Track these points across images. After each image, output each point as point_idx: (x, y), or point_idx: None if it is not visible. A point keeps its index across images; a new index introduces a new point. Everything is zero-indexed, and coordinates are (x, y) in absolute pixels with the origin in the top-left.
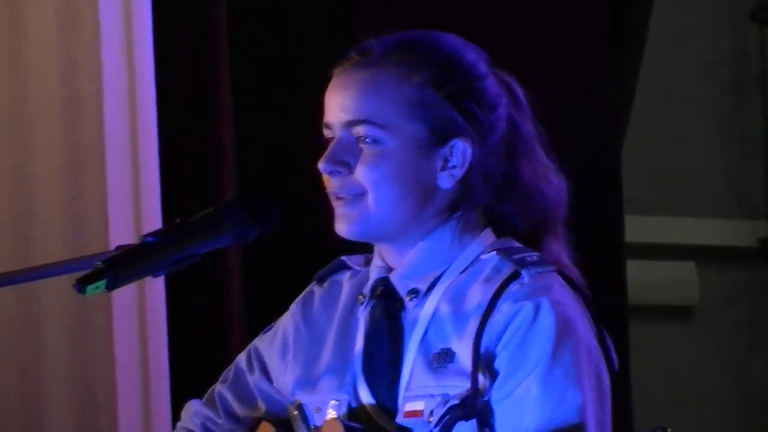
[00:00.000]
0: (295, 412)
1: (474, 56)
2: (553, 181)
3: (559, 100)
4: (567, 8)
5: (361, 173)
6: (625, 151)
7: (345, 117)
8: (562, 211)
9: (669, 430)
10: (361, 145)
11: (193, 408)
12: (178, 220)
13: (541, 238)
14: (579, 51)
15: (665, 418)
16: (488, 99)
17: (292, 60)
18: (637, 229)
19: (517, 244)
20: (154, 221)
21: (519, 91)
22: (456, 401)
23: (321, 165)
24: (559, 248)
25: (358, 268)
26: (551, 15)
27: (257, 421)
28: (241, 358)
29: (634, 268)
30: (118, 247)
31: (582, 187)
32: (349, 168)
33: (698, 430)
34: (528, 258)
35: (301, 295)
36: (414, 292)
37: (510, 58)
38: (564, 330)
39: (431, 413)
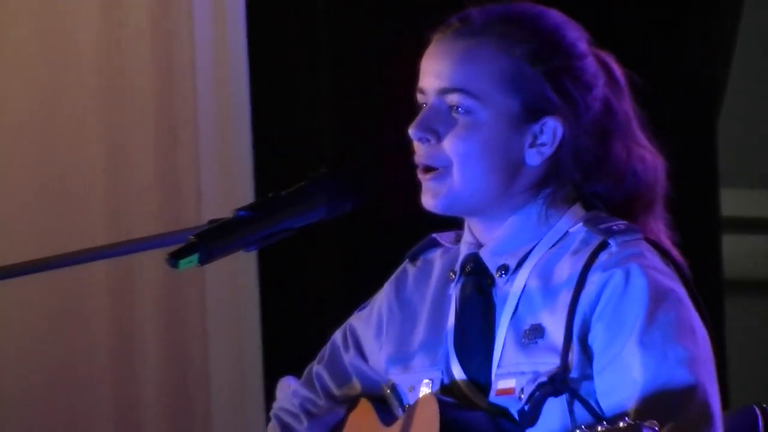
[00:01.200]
0: (389, 392)
1: (575, 34)
2: (648, 160)
3: (656, 74)
4: None
5: (450, 144)
6: (721, 123)
7: (440, 84)
8: (659, 190)
9: (765, 405)
10: (454, 115)
11: (290, 388)
12: (271, 194)
13: (637, 217)
14: (677, 29)
15: (761, 394)
16: (585, 79)
17: (390, 29)
18: (732, 202)
19: (604, 215)
20: (246, 195)
21: (617, 71)
22: (544, 378)
23: (411, 131)
24: (657, 228)
25: (449, 245)
26: None
27: (355, 399)
28: (337, 336)
29: (730, 242)
30: (211, 221)
31: (678, 160)
32: (438, 137)
33: None
34: (615, 227)
35: (394, 274)
36: (504, 268)
37: (609, 38)
38: (657, 292)
39: (522, 390)
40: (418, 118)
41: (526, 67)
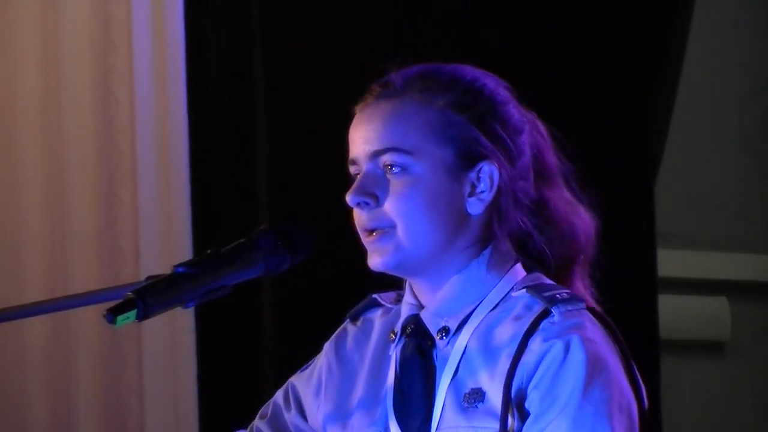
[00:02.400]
0: None
1: (494, 82)
2: (582, 216)
3: (593, 132)
4: (602, 40)
5: (391, 204)
6: (658, 183)
7: (370, 148)
8: (591, 248)
9: None
10: (389, 176)
11: None
12: (209, 251)
13: (570, 273)
14: (615, 84)
15: None
16: (513, 122)
17: (325, 89)
18: (670, 263)
19: (547, 281)
20: (185, 252)
21: (541, 125)
22: None
23: (349, 197)
24: (584, 286)
25: (389, 305)
26: (585, 46)
27: None
28: (279, 395)
29: (666, 303)
30: (149, 278)
31: (615, 219)
32: (378, 200)
33: None
34: (558, 295)
35: (334, 334)
36: (444, 330)
37: (542, 90)
38: (594, 367)
39: None
40: (354, 185)
41: (453, 115)
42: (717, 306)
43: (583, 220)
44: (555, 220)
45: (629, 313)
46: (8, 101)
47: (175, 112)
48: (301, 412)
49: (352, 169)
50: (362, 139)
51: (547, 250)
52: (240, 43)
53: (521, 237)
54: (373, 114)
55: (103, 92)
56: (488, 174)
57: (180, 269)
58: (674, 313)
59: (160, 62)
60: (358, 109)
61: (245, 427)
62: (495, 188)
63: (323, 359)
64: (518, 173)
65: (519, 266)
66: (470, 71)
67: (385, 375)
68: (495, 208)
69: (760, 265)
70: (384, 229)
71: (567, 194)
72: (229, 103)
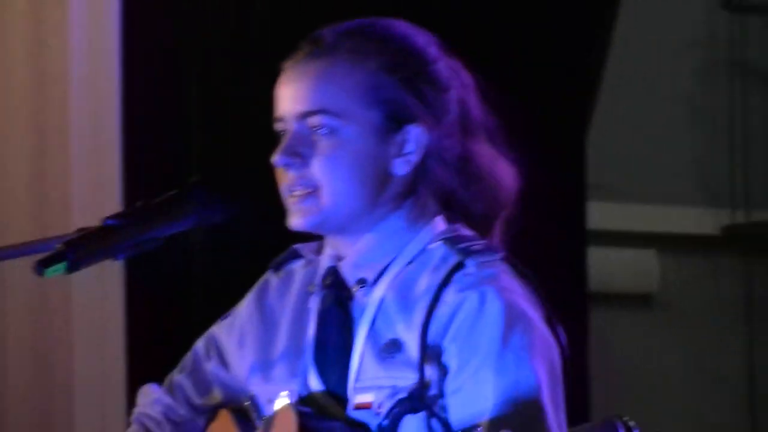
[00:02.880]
0: (248, 404)
1: (425, 39)
2: (507, 168)
3: (524, 83)
4: None
5: (317, 166)
6: (590, 136)
7: (299, 108)
8: (513, 203)
9: (626, 418)
10: (315, 137)
11: (153, 395)
12: (140, 203)
13: (494, 225)
14: (546, 35)
15: (624, 405)
16: (441, 81)
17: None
18: (599, 215)
19: (465, 232)
20: (116, 204)
21: (469, 77)
22: (404, 394)
23: (275, 158)
24: (507, 240)
25: (311, 256)
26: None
27: (216, 410)
28: (199, 345)
29: (595, 255)
30: (79, 230)
31: (546, 171)
32: (304, 160)
33: (657, 417)
34: (473, 247)
35: (257, 284)
36: (362, 282)
37: (472, 43)
38: (512, 316)
39: (380, 405)
40: (281, 145)
41: (383, 77)
42: (645, 258)
43: (506, 174)
44: (479, 176)
45: (558, 266)
46: None
47: (108, 63)
48: (222, 361)
49: (278, 126)
50: (291, 98)
51: (470, 206)
52: None
53: (445, 194)
54: (303, 73)
55: (37, 42)
56: (416, 136)
57: (110, 221)
58: (603, 266)
59: (94, 12)
60: (287, 65)
61: (162, 383)
62: (422, 150)
63: (245, 309)
64: (445, 132)
65: (439, 219)
66: (401, 29)
67: (306, 327)
68: (421, 168)
69: (689, 218)
70: (308, 190)
71: (492, 149)
72: (162, 56)
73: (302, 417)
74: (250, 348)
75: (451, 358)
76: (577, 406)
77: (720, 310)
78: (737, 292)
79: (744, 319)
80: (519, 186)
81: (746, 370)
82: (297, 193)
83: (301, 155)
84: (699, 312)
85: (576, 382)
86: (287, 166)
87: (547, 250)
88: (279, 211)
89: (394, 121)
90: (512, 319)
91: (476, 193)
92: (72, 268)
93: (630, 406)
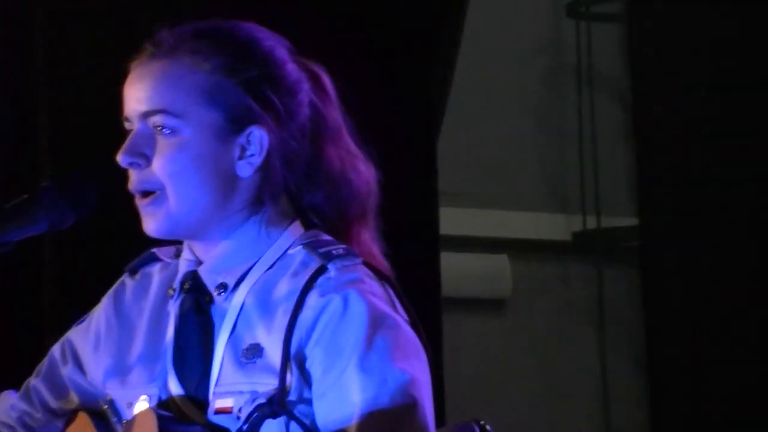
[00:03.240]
0: (106, 407)
1: (271, 43)
2: (361, 170)
3: (374, 89)
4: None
5: (159, 165)
6: (440, 142)
7: (141, 108)
8: (372, 200)
9: (483, 422)
10: (158, 137)
11: (9, 402)
12: None
13: (351, 228)
14: (395, 41)
15: (477, 409)
16: (287, 85)
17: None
18: (451, 221)
19: (325, 237)
20: None
21: (326, 79)
22: (263, 399)
23: (119, 157)
24: (371, 238)
25: (168, 260)
26: (368, 6)
27: (74, 412)
28: (56, 350)
29: (447, 260)
30: None
31: (397, 177)
32: (147, 160)
33: (510, 421)
34: (334, 251)
35: (113, 287)
36: (222, 287)
37: (324, 49)
38: (375, 318)
39: (240, 410)
40: (125, 145)
41: (222, 79)
42: (497, 263)
43: (362, 175)
44: (331, 178)
45: (411, 270)
46: None
47: None
48: (79, 366)
49: (126, 125)
50: (134, 97)
51: (321, 208)
52: None
53: (293, 196)
54: (145, 74)
55: None
56: (258, 138)
57: None
58: (456, 271)
59: None
60: (132, 66)
61: (17, 389)
62: (264, 152)
63: (101, 312)
64: (290, 135)
65: (297, 224)
66: (246, 31)
67: (165, 331)
68: (265, 170)
69: (539, 223)
70: (154, 192)
71: (345, 151)
72: (9, 55)
73: (162, 420)
74: (107, 351)
75: (315, 364)
76: (433, 410)
77: (571, 315)
78: (588, 297)
79: (596, 324)
80: (376, 188)
81: (598, 375)
82: (146, 194)
83: (144, 155)
84: (550, 317)
85: (431, 386)
86: (131, 165)
87: (401, 255)
88: (132, 213)
89: (235, 123)
90: (376, 320)
91: (329, 195)
92: None
93: (482, 410)
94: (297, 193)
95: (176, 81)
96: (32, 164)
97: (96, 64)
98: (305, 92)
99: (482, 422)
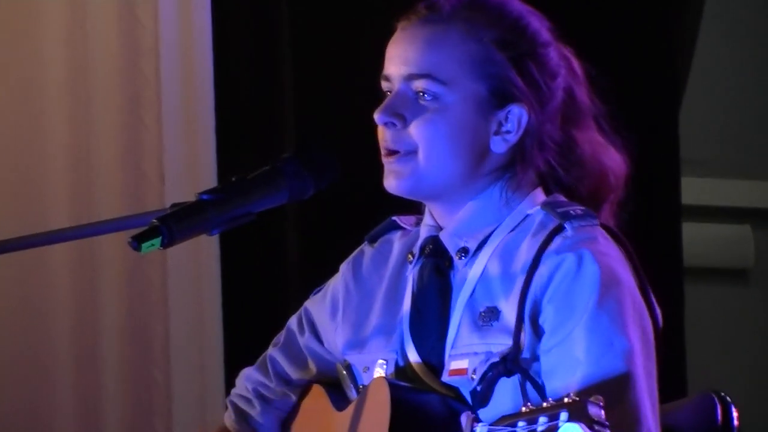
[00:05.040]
0: (344, 372)
1: (539, 22)
2: (613, 156)
3: (618, 62)
4: None
5: (417, 128)
6: (683, 111)
7: (407, 70)
8: (620, 188)
9: (723, 393)
10: (420, 101)
11: (245, 374)
12: (234, 178)
13: (598, 209)
14: (638, 17)
15: (719, 380)
16: (550, 66)
17: (353, 15)
18: (693, 190)
19: (563, 199)
20: (209, 179)
21: (576, 63)
22: (497, 358)
23: (377, 115)
24: (609, 213)
25: (409, 227)
26: None
27: (308, 385)
28: (293, 321)
29: (690, 230)
30: (174, 205)
31: (640, 148)
32: (405, 121)
33: (751, 394)
34: (572, 211)
35: (351, 255)
36: (464, 251)
37: (571, 28)
38: (608, 279)
39: (474, 370)
40: (384, 103)
41: (494, 52)
42: (740, 234)
43: (613, 160)
44: (583, 161)
45: (654, 241)
46: (32, 26)
47: (200, 35)
48: (316, 335)
49: (384, 85)
50: (400, 58)
51: (574, 188)
52: None
53: (546, 174)
54: (416, 36)
55: (128, 16)
56: (517, 116)
57: (205, 196)
58: (698, 241)
59: None
60: (400, 26)
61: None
62: (521, 131)
63: (340, 280)
64: (547, 117)
65: (539, 190)
66: (517, 7)
67: (402, 297)
68: (519, 148)
69: None
70: (405, 152)
71: (597, 135)
72: (254, 26)
73: (395, 390)
74: (346, 319)
75: (547, 319)
76: (673, 382)
77: None
78: None
79: None
80: (626, 172)
81: None
82: (394, 152)
83: (401, 116)
84: None
85: (672, 357)
86: (386, 125)
87: (644, 226)
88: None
89: (498, 98)
90: (608, 282)
91: (581, 177)
92: (167, 243)
93: (724, 380)
94: (546, 171)
95: (448, 48)
96: (276, 134)
97: (337, 40)
98: (563, 76)
99: (722, 393)
